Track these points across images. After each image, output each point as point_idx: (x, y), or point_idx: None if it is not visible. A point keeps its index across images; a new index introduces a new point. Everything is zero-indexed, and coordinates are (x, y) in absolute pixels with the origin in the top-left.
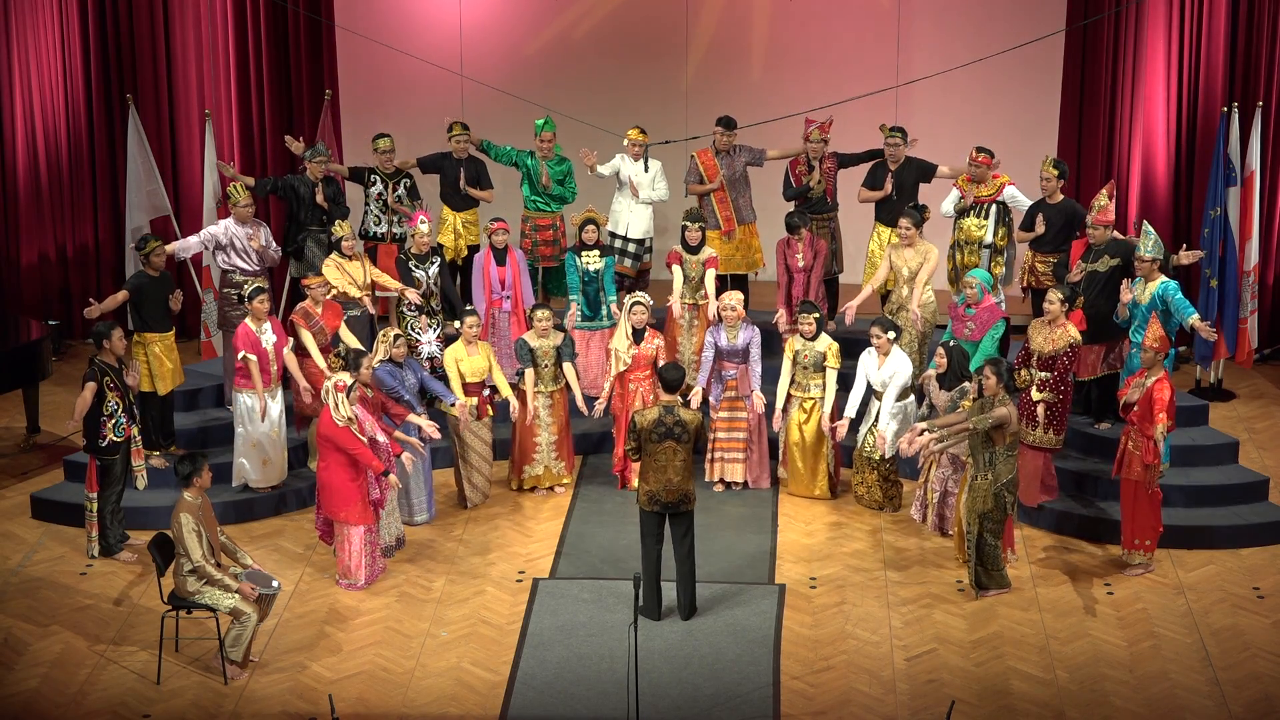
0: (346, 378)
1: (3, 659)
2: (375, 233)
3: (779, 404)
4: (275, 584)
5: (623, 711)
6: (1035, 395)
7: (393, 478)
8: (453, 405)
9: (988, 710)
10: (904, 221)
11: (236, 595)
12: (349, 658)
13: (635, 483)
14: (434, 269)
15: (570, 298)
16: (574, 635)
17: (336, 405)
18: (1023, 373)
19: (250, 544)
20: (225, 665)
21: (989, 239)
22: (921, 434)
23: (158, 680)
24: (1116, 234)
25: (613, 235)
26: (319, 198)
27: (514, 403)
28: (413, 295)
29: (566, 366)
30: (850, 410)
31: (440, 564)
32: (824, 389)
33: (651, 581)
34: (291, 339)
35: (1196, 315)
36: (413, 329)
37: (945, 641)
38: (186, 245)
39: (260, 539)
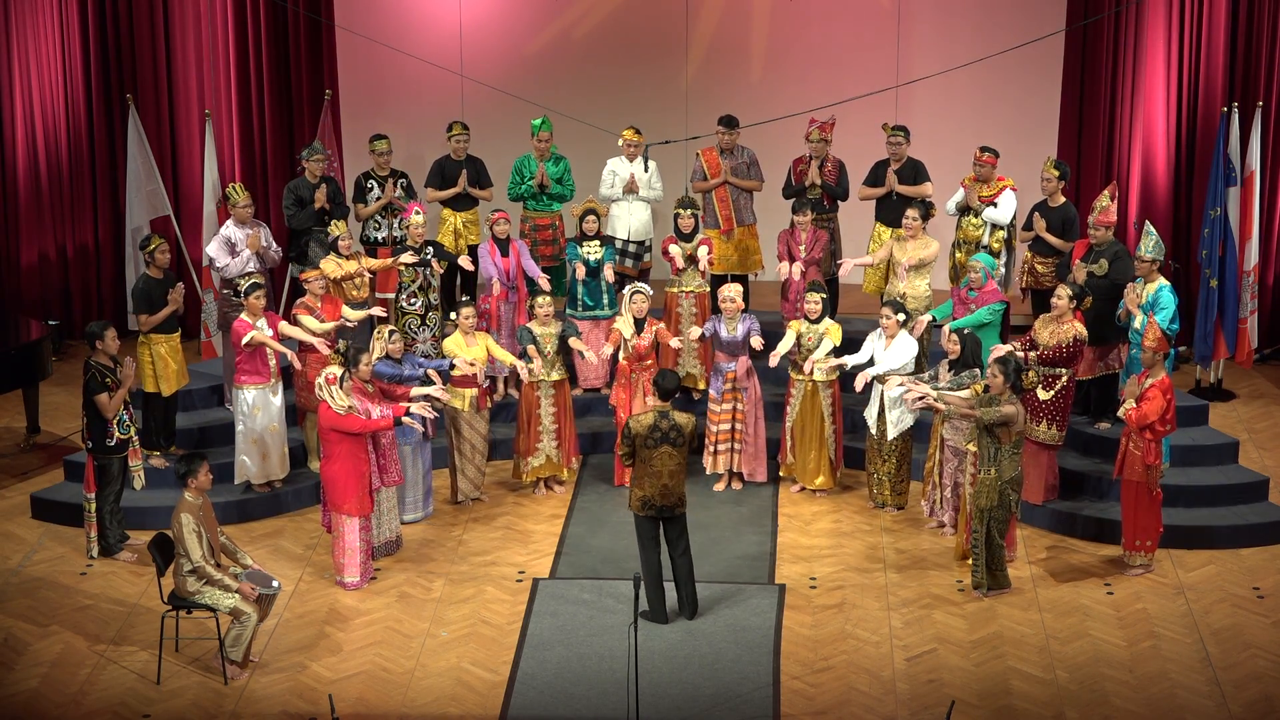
0: (336, 370)
1: (3, 659)
2: (376, 238)
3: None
4: (275, 584)
5: (623, 711)
6: (1041, 395)
7: (407, 420)
8: (454, 368)
9: (988, 710)
10: (911, 212)
11: (236, 595)
12: (349, 658)
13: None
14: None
15: (571, 260)
16: (574, 635)
17: (332, 397)
18: (1029, 373)
19: (250, 544)
20: (225, 665)
21: (985, 239)
22: (924, 394)
23: (158, 680)
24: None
25: (612, 239)
26: (320, 199)
27: (520, 365)
28: (408, 257)
29: (572, 340)
30: (848, 360)
31: (440, 564)
32: (818, 354)
33: (655, 586)
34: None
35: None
36: (410, 328)
37: (945, 641)
38: (242, 259)
39: (260, 539)
